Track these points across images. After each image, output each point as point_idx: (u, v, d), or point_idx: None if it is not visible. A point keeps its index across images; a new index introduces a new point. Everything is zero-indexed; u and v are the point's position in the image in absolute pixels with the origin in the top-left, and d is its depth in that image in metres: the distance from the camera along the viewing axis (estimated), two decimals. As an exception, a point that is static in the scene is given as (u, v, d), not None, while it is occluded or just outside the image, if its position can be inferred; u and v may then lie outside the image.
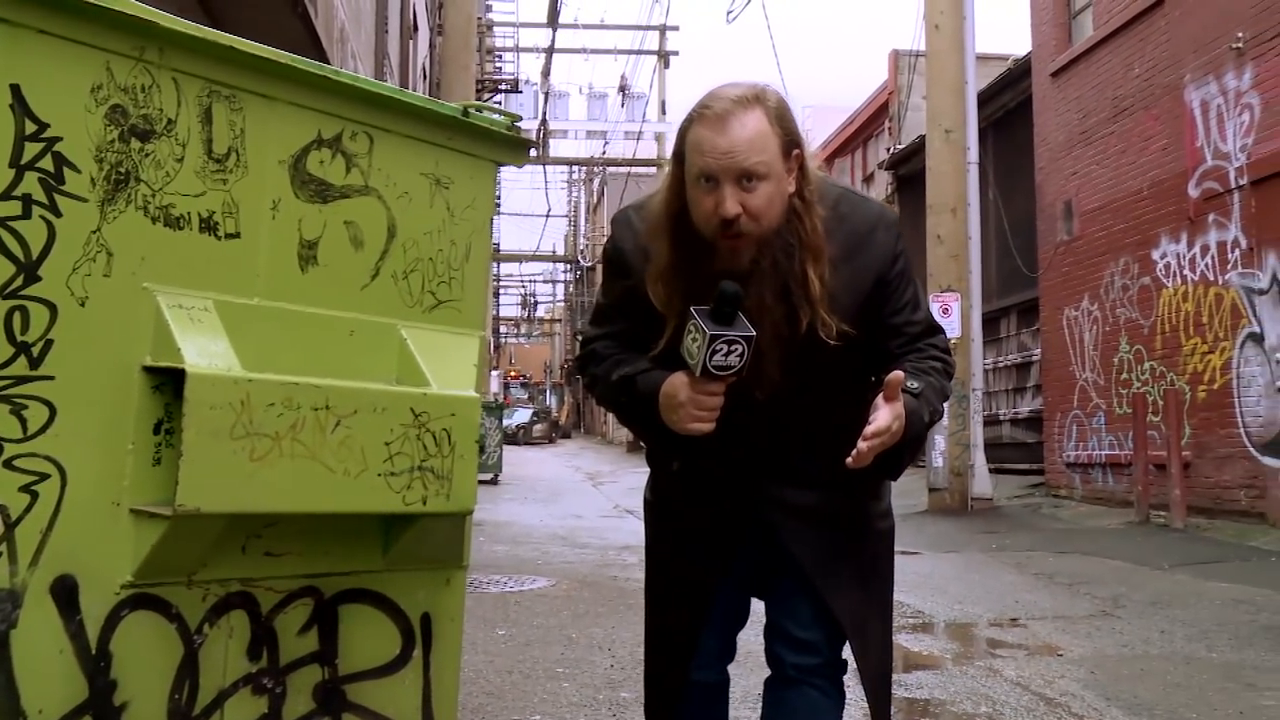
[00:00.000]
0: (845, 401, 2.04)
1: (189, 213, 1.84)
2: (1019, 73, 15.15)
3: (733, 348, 1.84)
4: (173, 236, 1.82)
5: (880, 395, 1.90)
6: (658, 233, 2.00)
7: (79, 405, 1.70)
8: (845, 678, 2.16)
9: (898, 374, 1.89)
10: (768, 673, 2.19)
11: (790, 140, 1.93)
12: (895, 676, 4.52)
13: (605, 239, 2.17)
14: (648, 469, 2.32)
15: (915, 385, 1.97)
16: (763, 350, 1.90)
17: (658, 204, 2.03)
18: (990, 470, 12.84)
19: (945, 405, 2.09)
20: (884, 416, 1.86)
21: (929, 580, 7.16)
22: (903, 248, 2.07)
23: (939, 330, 2.12)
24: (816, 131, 26.63)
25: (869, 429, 1.86)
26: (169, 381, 1.76)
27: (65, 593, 1.69)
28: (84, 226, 1.71)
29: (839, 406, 2.04)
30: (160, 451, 1.77)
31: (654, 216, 2.03)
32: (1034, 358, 15.04)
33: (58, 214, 1.68)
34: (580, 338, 2.24)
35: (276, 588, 1.95)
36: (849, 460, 1.88)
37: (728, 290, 1.83)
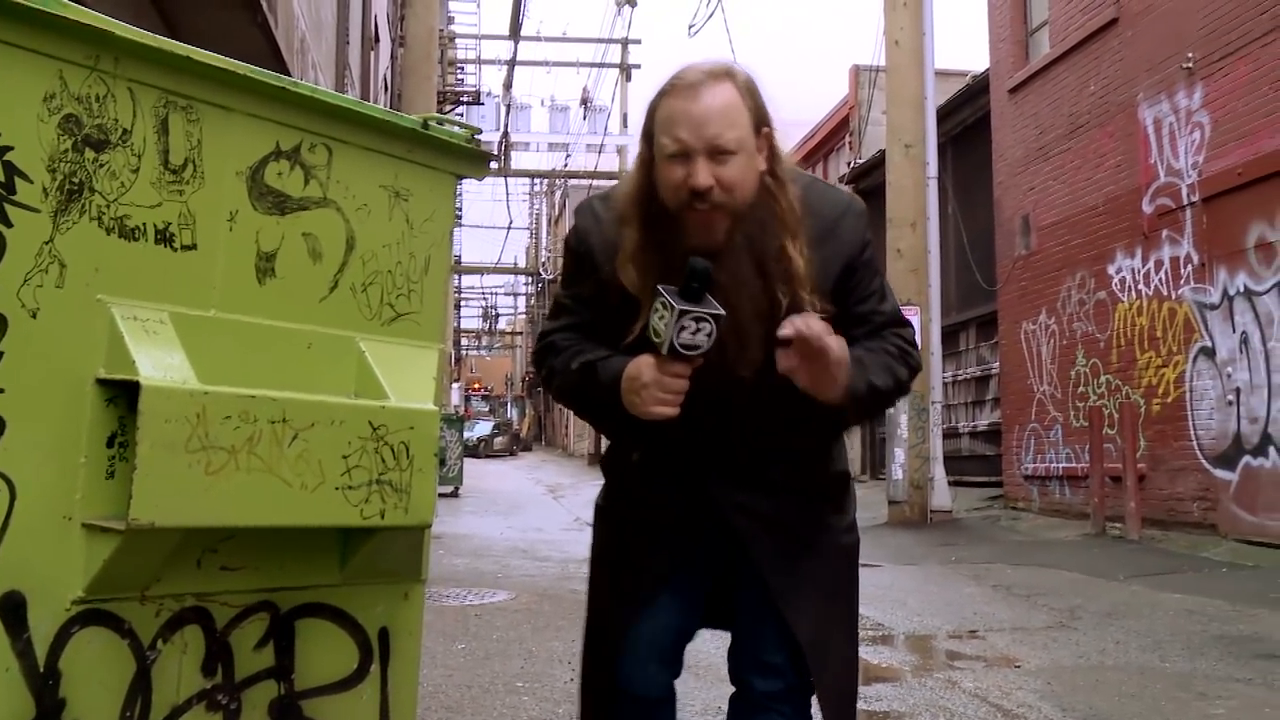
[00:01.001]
0: (812, 402, 1.98)
1: (144, 224, 1.82)
2: (978, 89, 15.33)
3: (701, 325, 1.78)
4: (128, 248, 1.80)
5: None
6: (627, 214, 1.96)
7: (30, 418, 1.67)
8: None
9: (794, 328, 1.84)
10: (728, 686, 2.18)
11: (760, 117, 1.90)
12: (855, 688, 4.54)
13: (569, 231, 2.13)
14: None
15: (862, 357, 1.94)
16: (744, 326, 1.86)
17: (625, 187, 1.99)
18: (950, 483, 12.94)
19: (896, 385, 2.01)
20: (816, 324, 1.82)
21: (889, 593, 7.20)
22: (870, 236, 2.04)
23: (906, 323, 2.09)
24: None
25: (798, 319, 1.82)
26: (123, 394, 1.74)
27: (12, 610, 1.66)
28: (36, 237, 1.68)
29: (805, 406, 1.97)
30: (114, 465, 1.75)
31: (622, 199, 1.99)
32: (993, 371, 15.19)
33: (8, 224, 1.66)
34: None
35: (232, 602, 1.93)
36: (783, 331, 1.83)
37: (697, 266, 1.78)
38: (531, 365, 2.21)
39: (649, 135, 1.92)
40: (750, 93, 1.89)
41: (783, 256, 1.89)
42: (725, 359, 1.86)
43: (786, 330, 1.83)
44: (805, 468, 2.05)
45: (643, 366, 1.86)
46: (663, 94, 1.89)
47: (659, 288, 1.80)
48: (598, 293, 1.99)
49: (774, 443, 2.01)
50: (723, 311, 1.79)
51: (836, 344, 1.85)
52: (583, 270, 2.04)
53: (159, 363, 1.75)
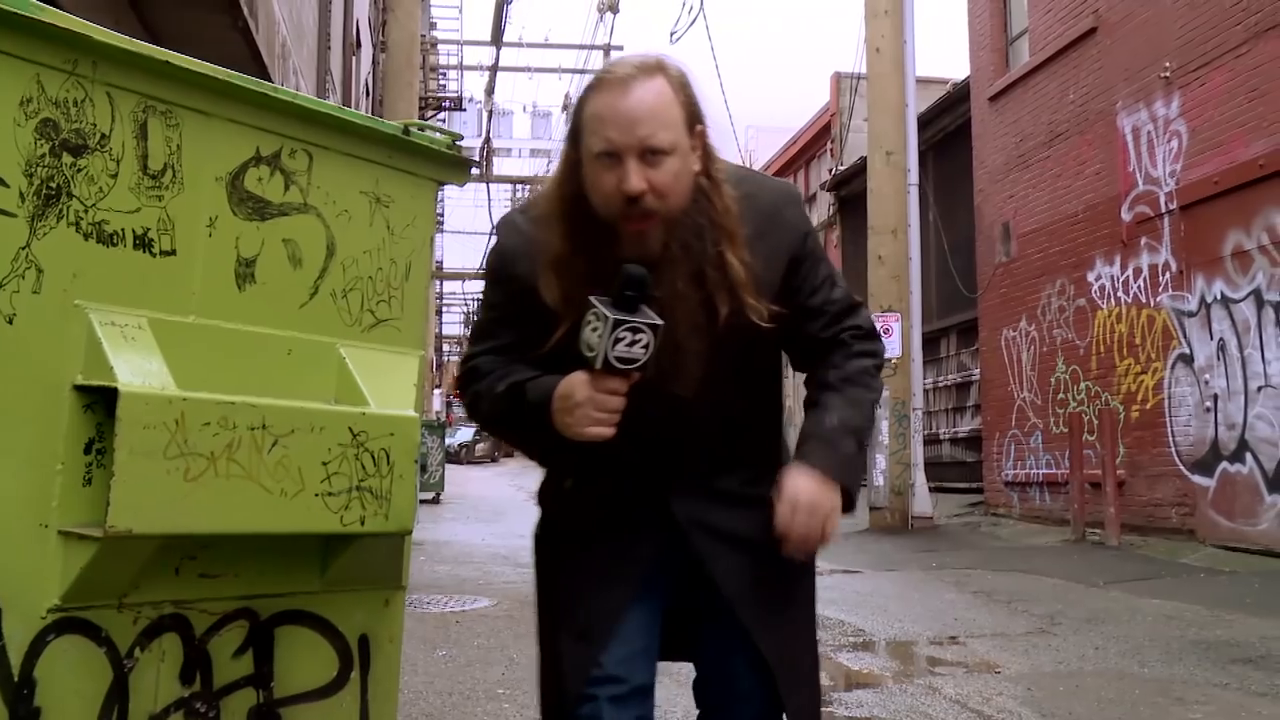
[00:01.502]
0: (764, 402, 1.94)
1: (123, 229, 1.81)
2: (958, 96, 15.41)
3: (637, 337, 1.65)
4: (106, 253, 1.79)
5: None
6: (551, 221, 1.80)
7: (6, 425, 1.66)
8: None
9: (781, 520, 1.76)
10: None
11: (694, 114, 1.77)
12: (836, 695, 4.54)
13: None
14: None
15: (831, 422, 1.84)
16: (681, 343, 1.74)
17: (549, 192, 1.84)
18: (930, 489, 12.98)
19: (872, 409, 1.91)
20: (783, 511, 1.75)
21: (870, 599, 7.21)
22: (811, 224, 1.94)
23: (860, 306, 1.97)
24: (759, 151, 26.91)
25: (778, 521, 1.75)
26: (101, 400, 1.73)
27: (-12, 618, 1.64)
28: (12, 242, 1.67)
29: (758, 407, 1.93)
30: (91, 472, 1.73)
31: (545, 205, 1.83)
32: (973, 377, 15.25)
33: (-14, 229, 1.65)
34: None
35: (211, 610, 1.91)
36: (789, 552, 1.76)
37: (632, 273, 1.65)
38: (457, 391, 2.07)
39: (575, 135, 1.78)
40: (683, 88, 1.76)
41: (721, 264, 1.77)
42: (662, 377, 1.73)
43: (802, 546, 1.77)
44: (757, 475, 1.90)
45: (575, 384, 1.72)
46: (590, 90, 1.76)
47: (591, 297, 1.67)
48: (525, 309, 1.83)
49: (721, 455, 1.90)
50: (660, 321, 1.67)
51: (820, 496, 1.77)
52: (507, 290, 1.89)
53: (137, 369, 1.74)
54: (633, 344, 1.65)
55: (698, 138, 1.78)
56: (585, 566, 1.89)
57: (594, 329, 1.66)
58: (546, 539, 2.00)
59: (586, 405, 1.70)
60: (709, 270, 1.77)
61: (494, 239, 1.95)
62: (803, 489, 1.77)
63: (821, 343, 1.91)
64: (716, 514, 1.87)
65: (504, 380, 1.85)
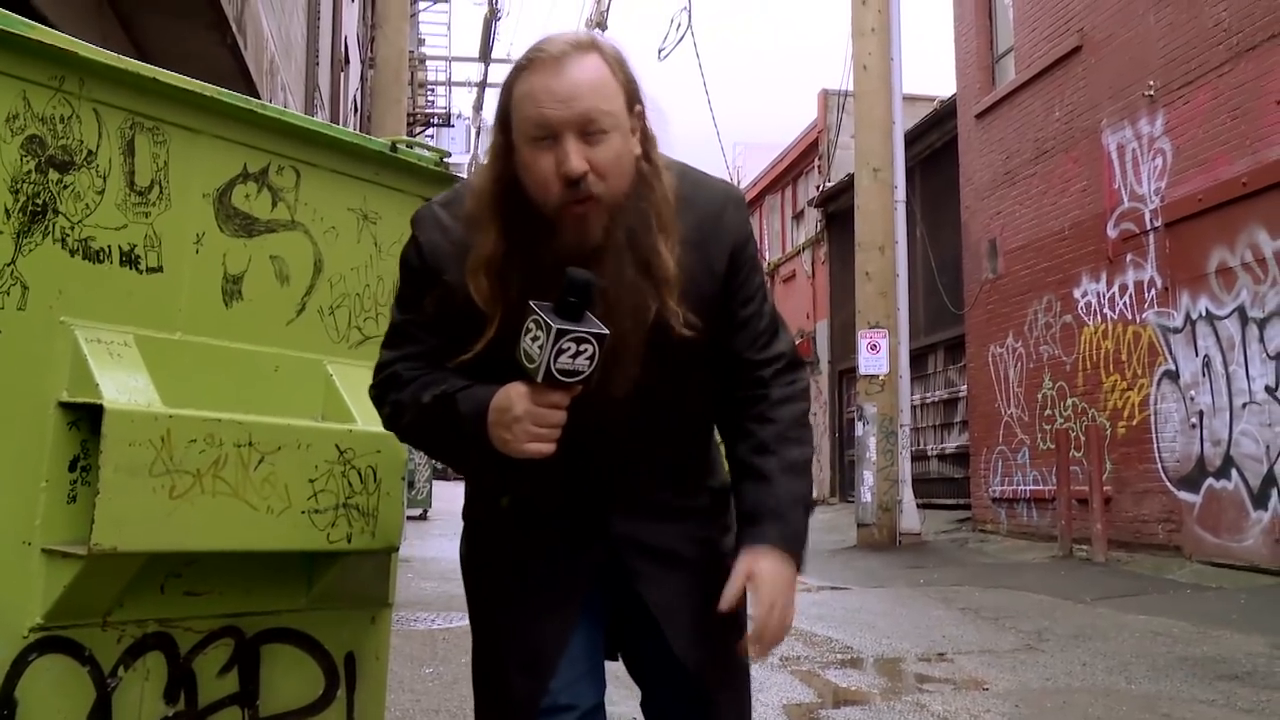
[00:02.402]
0: (696, 407, 1.81)
1: (109, 245, 1.81)
2: (945, 113, 15.49)
3: (582, 348, 1.52)
4: (92, 269, 1.78)
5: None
6: (481, 216, 1.65)
7: (-10, 442, 1.66)
8: None
9: (741, 568, 1.67)
10: None
11: (633, 93, 1.64)
12: (824, 713, 4.54)
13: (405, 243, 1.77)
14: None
15: (779, 497, 1.73)
16: (624, 339, 1.60)
17: (478, 185, 1.69)
18: (918, 505, 12.99)
19: (807, 461, 1.80)
20: (761, 614, 1.65)
21: (857, 615, 7.21)
22: (751, 229, 1.82)
23: (784, 327, 1.84)
24: (747, 168, 26.97)
25: (753, 648, 1.66)
26: (86, 417, 1.72)
27: (-30, 636, 1.63)
28: (-2, 259, 1.67)
29: (690, 413, 1.80)
30: (76, 489, 1.73)
31: (473, 199, 1.68)
32: (961, 394, 15.28)
33: (-30, 246, 1.64)
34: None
35: (196, 628, 1.91)
36: (749, 654, 1.67)
37: (577, 278, 1.52)
38: (373, 401, 1.82)
39: (505, 120, 1.63)
40: (620, 65, 1.64)
41: (657, 256, 1.64)
42: (601, 376, 1.59)
43: (765, 649, 1.69)
44: (690, 485, 1.83)
45: (513, 397, 1.57)
46: (520, 70, 1.61)
47: (531, 304, 1.54)
48: (448, 311, 1.68)
49: (655, 465, 1.78)
50: (606, 331, 1.54)
51: (789, 582, 1.68)
52: (427, 285, 1.71)
53: (123, 385, 1.74)
54: (576, 355, 1.53)
55: (637, 118, 1.66)
56: (523, 593, 1.77)
57: (534, 338, 1.53)
58: (478, 562, 1.85)
59: (526, 420, 1.57)
60: (652, 260, 1.64)
61: (411, 233, 1.76)
62: (777, 582, 1.68)
63: (745, 365, 1.78)
64: (650, 529, 1.77)
65: (430, 389, 1.69)
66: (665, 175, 1.68)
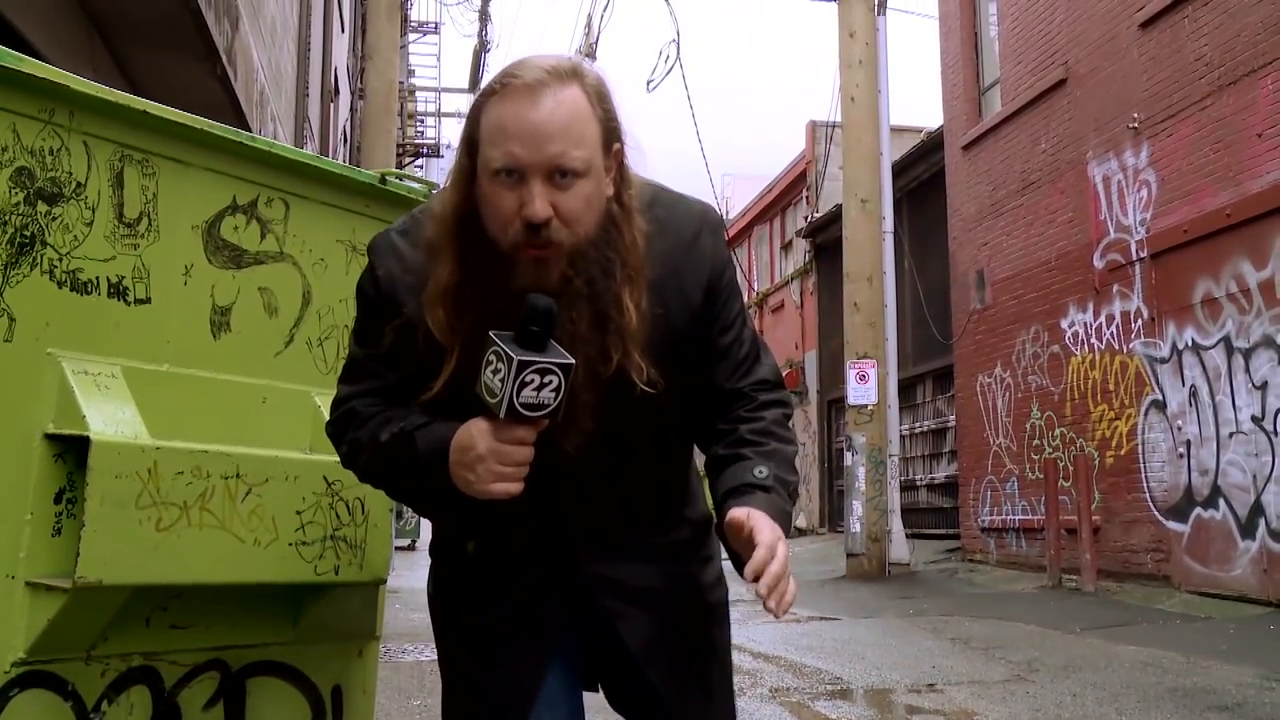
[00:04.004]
0: (663, 455, 1.72)
1: (97, 277, 1.81)
2: (932, 145, 15.60)
3: (546, 380, 1.42)
4: (80, 301, 1.78)
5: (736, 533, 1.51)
6: (439, 243, 1.55)
7: (-25, 474, 1.65)
8: None
9: (737, 514, 1.51)
10: None
11: (612, 131, 1.53)
12: (814, 744, 4.51)
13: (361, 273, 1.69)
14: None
15: (763, 472, 1.60)
16: (574, 390, 1.49)
17: (439, 210, 1.58)
18: (907, 535, 12.99)
19: (793, 462, 1.69)
20: (760, 555, 1.46)
21: (847, 646, 7.18)
22: (729, 254, 1.71)
23: (765, 353, 1.74)
24: (736, 199, 27.10)
25: (761, 584, 1.45)
26: (72, 449, 1.72)
27: (-47, 671, 1.62)
28: (-14, 291, 1.67)
29: (658, 462, 1.71)
30: (61, 521, 1.72)
31: (432, 225, 1.58)
32: (949, 424, 15.30)
33: (-42, 278, 1.64)
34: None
35: (181, 661, 1.89)
36: (773, 613, 1.48)
37: (538, 305, 1.43)
38: (330, 439, 1.71)
39: (471, 144, 1.53)
40: (601, 100, 1.52)
41: (619, 308, 1.53)
42: (550, 428, 1.49)
43: (785, 604, 1.48)
44: (667, 521, 1.73)
45: (475, 435, 1.48)
46: (490, 94, 1.50)
47: (491, 334, 1.44)
48: (406, 347, 1.58)
49: (623, 507, 1.68)
50: (572, 360, 1.44)
51: (778, 542, 1.50)
52: (385, 320, 1.60)
53: (110, 417, 1.73)
54: (541, 387, 1.43)
55: (614, 158, 1.55)
56: (492, 640, 1.69)
57: (495, 371, 1.43)
58: (445, 604, 1.76)
59: (490, 459, 1.47)
60: (612, 312, 1.54)
61: (368, 263, 1.65)
62: (775, 529, 1.51)
63: (725, 394, 1.68)
64: (623, 568, 1.67)
65: (388, 427, 1.59)
66: (636, 219, 1.57)
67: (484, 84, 1.62)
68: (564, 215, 1.48)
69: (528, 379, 1.42)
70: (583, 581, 1.66)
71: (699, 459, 1.79)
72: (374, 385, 1.64)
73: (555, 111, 1.46)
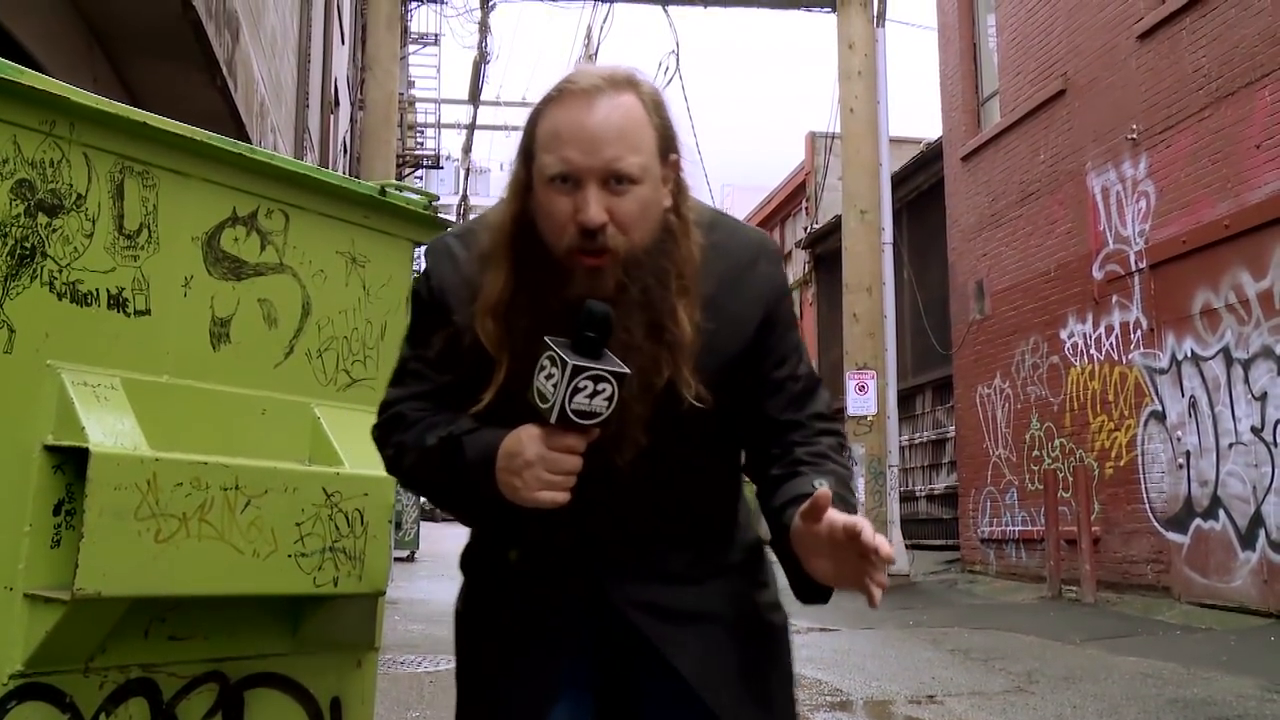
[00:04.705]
0: (713, 476, 1.67)
1: (97, 289, 1.81)
2: (931, 156, 15.62)
3: (599, 387, 1.41)
4: (79, 313, 1.79)
5: (816, 520, 1.43)
6: (493, 253, 1.54)
7: (-26, 486, 1.65)
8: None
9: (825, 492, 1.42)
10: None
11: (668, 140, 1.53)
12: (813, 756, 4.50)
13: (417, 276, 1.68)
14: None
15: (822, 484, 1.50)
16: (627, 401, 1.45)
17: (495, 220, 1.58)
18: (907, 546, 12.98)
19: (850, 466, 1.66)
20: (867, 531, 1.40)
21: (847, 657, 7.17)
22: (787, 283, 1.69)
23: (821, 386, 1.70)
24: (736, 210, 27.12)
25: (865, 533, 1.38)
26: (71, 461, 1.72)
27: (-50, 683, 1.62)
28: (-14, 302, 1.67)
29: (706, 482, 1.66)
30: (60, 533, 1.72)
31: (488, 235, 1.57)
32: (949, 434, 15.30)
33: (-41, 289, 1.65)
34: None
35: (180, 673, 1.89)
36: (872, 604, 1.43)
37: (595, 310, 1.41)
38: (375, 442, 1.66)
39: (528, 153, 1.52)
40: (658, 109, 1.52)
41: (673, 318, 1.51)
42: (602, 440, 1.47)
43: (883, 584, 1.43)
44: (716, 545, 1.68)
45: (525, 440, 1.45)
46: (548, 101, 1.50)
47: (546, 339, 1.42)
48: (456, 352, 1.57)
49: (668, 532, 1.63)
50: (626, 369, 1.42)
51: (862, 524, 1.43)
52: (438, 322, 1.60)
53: (109, 429, 1.73)
54: (594, 395, 1.41)
55: (671, 168, 1.54)
56: (515, 659, 1.63)
57: (549, 376, 1.41)
58: (473, 619, 1.71)
59: (538, 465, 1.44)
60: (666, 323, 1.51)
61: (424, 266, 1.64)
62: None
63: (779, 424, 1.63)
64: (662, 593, 1.60)
65: (434, 431, 1.55)
66: (693, 232, 1.56)
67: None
68: (619, 221, 1.47)
69: (581, 385, 1.40)
70: (614, 606, 1.60)
71: (749, 491, 1.72)
72: (422, 389, 1.63)
73: (610, 116, 1.46)
